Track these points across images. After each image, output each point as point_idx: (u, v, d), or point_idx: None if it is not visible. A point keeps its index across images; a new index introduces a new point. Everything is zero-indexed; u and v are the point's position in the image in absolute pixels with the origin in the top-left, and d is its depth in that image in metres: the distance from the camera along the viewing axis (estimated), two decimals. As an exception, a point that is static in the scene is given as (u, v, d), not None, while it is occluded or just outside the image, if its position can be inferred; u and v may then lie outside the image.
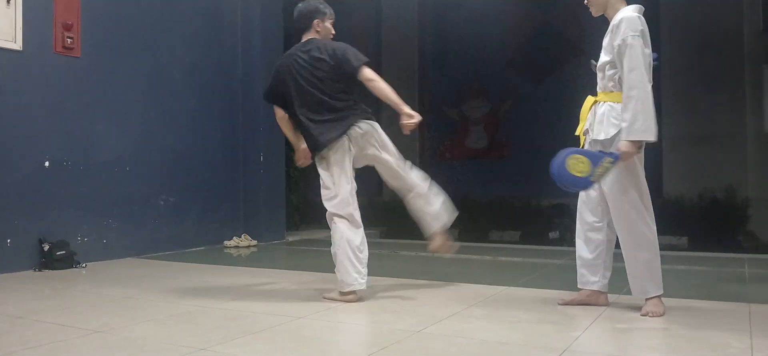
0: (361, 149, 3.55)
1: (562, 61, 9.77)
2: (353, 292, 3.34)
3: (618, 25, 2.88)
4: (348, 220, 3.45)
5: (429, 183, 3.75)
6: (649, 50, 2.89)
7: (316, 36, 3.67)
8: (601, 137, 2.94)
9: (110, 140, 5.25)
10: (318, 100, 3.48)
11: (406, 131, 3.55)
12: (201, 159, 6.13)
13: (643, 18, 2.92)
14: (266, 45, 6.43)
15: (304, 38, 3.64)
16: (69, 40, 4.91)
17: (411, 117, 3.49)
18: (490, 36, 11.36)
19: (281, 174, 6.77)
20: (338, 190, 3.43)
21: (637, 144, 2.81)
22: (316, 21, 3.67)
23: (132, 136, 5.43)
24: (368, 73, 3.55)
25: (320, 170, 3.52)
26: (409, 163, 3.72)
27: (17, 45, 4.62)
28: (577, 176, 2.80)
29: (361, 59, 3.55)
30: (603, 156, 2.84)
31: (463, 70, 11.70)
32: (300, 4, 3.69)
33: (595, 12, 3.08)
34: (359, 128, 3.53)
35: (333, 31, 3.76)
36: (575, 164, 2.80)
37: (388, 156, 3.64)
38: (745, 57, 9.89)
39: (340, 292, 3.38)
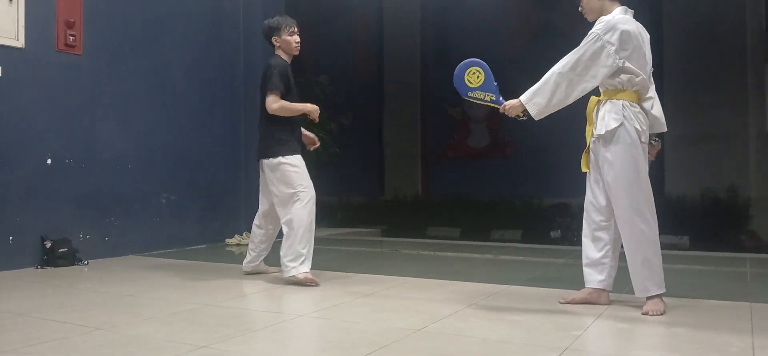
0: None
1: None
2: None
3: (597, 22, 3.03)
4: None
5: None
6: (625, 54, 2.94)
7: (279, 51, 3.90)
8: (603, 131, 2.97)
9: (112, 138, 5.26)
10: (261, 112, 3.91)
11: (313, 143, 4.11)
12: (203, 157, 6.13)
13: (625, 17, 3.00)
14: (266, 44, 6.42)
15: None
16: (71, 37, 4.91)
17: (314, 111, 3.88)
18: (492, 35, 11.35)
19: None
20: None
21: (521, 108, 3.05)
22: (273, 38, 3.90)
23: (134, 134, 5.44)
24: (268, 102, 3.77)
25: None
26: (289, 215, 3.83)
27: (19, 43, 4.62)
28: (464, 82, 3.22)
29: (271, 86, 3.74)
30: (493, 91, 3.18)
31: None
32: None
33: (590, 17, 3.15)
34: (265, 164, 3.88)
35: (296, 40, 3.92)
36: (473, 72, 3.21)
37: (273, 196, 3.89)
38: (747, 56, 9.88)
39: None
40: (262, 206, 4.05)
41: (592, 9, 3.11)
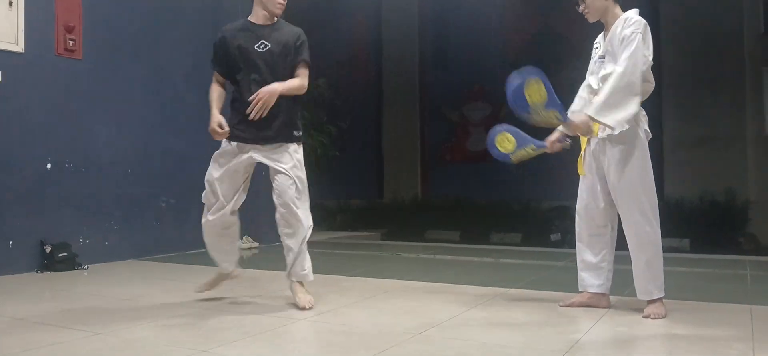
0: None
1: (563, 64, 9.79)
2: None
3: (624, 22, 2.92)
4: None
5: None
6: (649, 52, 2.90)
7: (259, 8, 3.43)
8: (616, 132, 2.91)
9: (112, 142, 5.26)
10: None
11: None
12: (202, 161, 6.08)
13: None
14: None
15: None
16: (71, 42, 4.91)
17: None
18: (490, 38, 11.38)
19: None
20: None
21: (590, 124, 2.89)
22: None
23: (133, 138, 5.44)
24: (305, 78, 3.35)
25: None
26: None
27: (19, 47, 4.63)
28: (501, 151, 3.21)
29: (308, 57, 3.33)
30: (529, 142, 3.14)
31: (463, 72, 11.71)
32: None
33: (591, 18, 3.09)
34: (285, 147, 3.41)
35: (280, 1, 3.40)
36: (502, 141, 3.19)
37: None
38: (745, 59, 9.90)
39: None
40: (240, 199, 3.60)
41: (597, 9, 3.04)
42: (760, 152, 9.77)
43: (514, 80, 2.81)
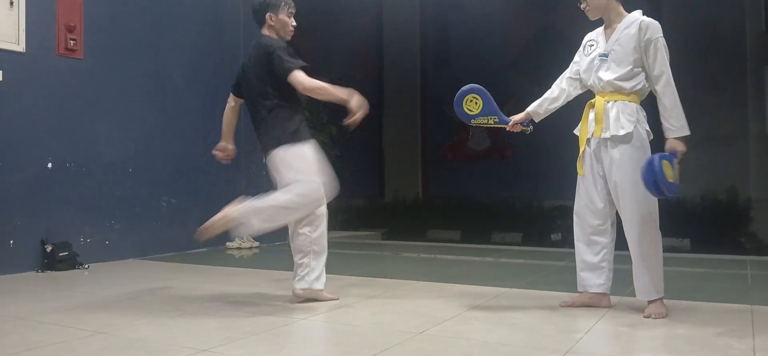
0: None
1: (564, 63, 9.80)
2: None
3: (641, 26, 2.94)
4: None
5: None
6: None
7: (270, 31, 3.42)
8: (620, 132, 2.93)
9: (113, 142, 5.26)
10: (254, 101, 3.41)
11: (351, 126, 3.31)
12: (203, 160, 6.12)
13: None
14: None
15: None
16: (72, 42, 4.92)
17: (358, 109, 3.23)
18: (492, 37, 11.37)
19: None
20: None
21: (683, 143, 2.93)
22: (268, 15, 3.41)
23: (134, 137, 5.44)
24: (299, 78, 3.22)
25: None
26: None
27: (20, 47, 4.63)
28: (464, 110, 3.26)
29: (294, 64, 3.25)
30: (495, 113, 3.24)
31: (464, 71, 11.69)
32: None
33: (592, 15, 3.09)
34: (272, 155, 3.37)
35: (293, 24, 3.48)
36: (470, 101, 3.25)
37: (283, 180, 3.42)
38: (747, 58, 9.89)
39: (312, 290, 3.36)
40: None
41: (597, 6, 3.04)
42: (762, 151, 9.76)
43: (455, 100, 3.26)
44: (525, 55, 10.79)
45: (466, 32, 11.60)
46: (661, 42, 2.92)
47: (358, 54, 13.24)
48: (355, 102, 3.23)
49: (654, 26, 2.94)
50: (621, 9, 3.05)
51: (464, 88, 3.28)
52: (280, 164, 3.36)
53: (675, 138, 2.91)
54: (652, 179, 2.73)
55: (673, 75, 2.96)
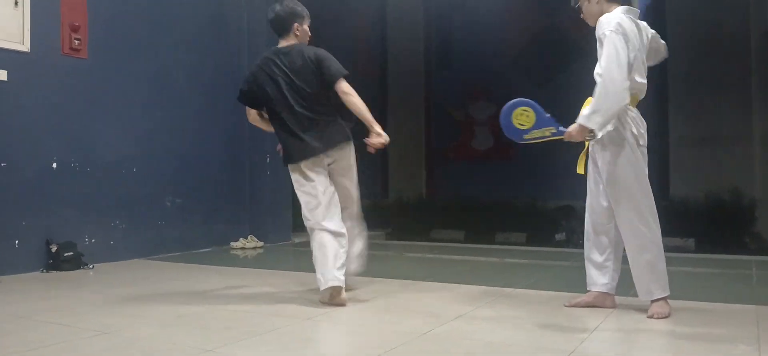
0: (332, 168, 3.50)
1: (567, 63, 9.78)
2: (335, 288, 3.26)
3: (598, 25, 2.94)
4: (331, 233, 3.33)
5: (365, 229, 3.78)
6: (623, 51, 2.85)
7: (295, 40, 3.54)
8: (599, 135, 2.93)
9: (117, 142, 5.27)
10: (299, 108, 3.40)
11: (372, 150, 3.49)
12: (207, 160, 6.14)
13: (628, 17, 2.95)
14: (271, 45, 6.40)
15: (283, 43, 3.52)
16: (76, 41, 4.93)
17: (380, 136, 3.39)
18: (495, 37, 11.34)
19: (287, 175, 6.77)
20: (321, 199, 3.37)
21: (585, 130, 2.85)
22: (295, 25, 3.53)
23: (138, 137, 5.45)
24: (345, 87, 3.40)
25: (299, 178, 3.45)
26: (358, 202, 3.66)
27: (25, 47, 4.64)
28: (515, 126, 2.97)
29: (341, 71, 3.43)
30: (550, 124, 2.93)
31: (468, 71, 11.68)
32: (276, 6, 3.53)
33: (591, 22, 3.10)
34: (339, 147, 3.46)
35: (310, 34, 3.65)
36: (520, 115, 2.96)
37: (348, 182, 3.56)
38: (751, 57, 9.84)
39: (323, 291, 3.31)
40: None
41: (592, 13, 3.08)
42: (767, 152, 9.72)
43: (503, 115, 2.97)
44: (529, 56, 10.76)
45: (471, 33, 11.58)
46: (608, 37, 2.85)
47: (362, 54, 13.23)
48: (380, 129, 3.41)
49: (604, 22, 2.91)
50: (612, 8, 3.04)
51: (511, 102, 2.99)
52: (352, 158, 3.53)
53: (579, 123, 2.87)
54: (502, 114, 2.93)
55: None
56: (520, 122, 2.97)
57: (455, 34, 12.12)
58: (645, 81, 2.98)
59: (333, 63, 3.44)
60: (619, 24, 2.87)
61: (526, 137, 2.97)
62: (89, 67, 5.06)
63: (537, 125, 2.95)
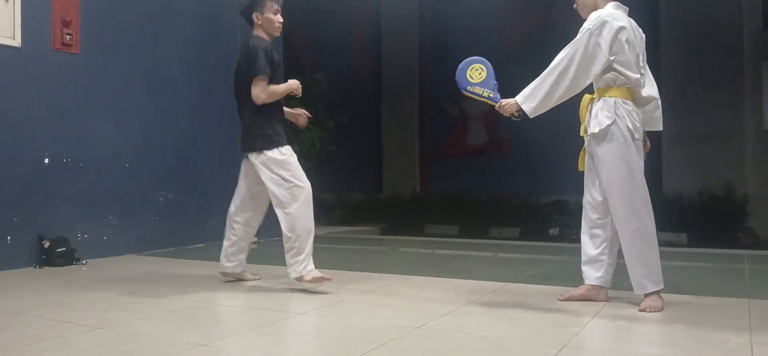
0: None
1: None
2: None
3: (588, 19, 3.01)
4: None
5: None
6: (605, 47, 2.92)
7: (259, 31, 3.50)
8: (596, 129, 2.98)
9: (110, 137, 5.25)
10: (240, 103, 3.56)
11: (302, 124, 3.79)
12: (200, 155, 6.12)
13: (617, 13, 2.99)
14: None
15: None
16: (68, 36, 4.90)
17: (297, 87, 3.52)
18: (490, 32, 11.37)
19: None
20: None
21: (516, 107, 3.04)
22: (255, 14, 3.51)
23: (131, 132, 5.43)
24: (254, 89, 3.41)
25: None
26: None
27: (16, 42, 4.61)
28: (466, 77, 3.23)
29: (257, 70, 3.37)
30: (492, 88, 3.18)
31: (462, 67, 11.73)
32: None
33: (585, 15, 3.13)
34: (255, 157, 3.58)
35: (279, 20, 3.55)
36: (474, 70, 3.23)
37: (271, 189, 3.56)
38: (744, 55, 9.90)
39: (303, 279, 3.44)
40: (238, 196, 3.88)
41: (586, 5, 3.12)
42: (759, 147, 9.78)
43: (464, 62, 3.25)
44: (523, 51, 10.79)
45: (465, 27, 11.60)
46: (583, 34, 2.96)
47: (357, 49, 13.22)
48: (295, 84, 3.51)
49: (592, 17, 2.98)
50: (606, 5, 3.07)
51: (476, 57, 3.27)
52: (271, 164, 3.54)
53: (515, 100, 3.05)
54: (464, 61, 3.20)
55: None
56: (471, 75, 3.23)
57: (450, 29, 12.14)
58: (638, 76, 2.99)
59: (255, 61, 3.40)
60: (604, 24, 2.92)
61: (469, 88, 3.22)
62: (81, 63, 5.03)
63: (481, 84, 3.20)
